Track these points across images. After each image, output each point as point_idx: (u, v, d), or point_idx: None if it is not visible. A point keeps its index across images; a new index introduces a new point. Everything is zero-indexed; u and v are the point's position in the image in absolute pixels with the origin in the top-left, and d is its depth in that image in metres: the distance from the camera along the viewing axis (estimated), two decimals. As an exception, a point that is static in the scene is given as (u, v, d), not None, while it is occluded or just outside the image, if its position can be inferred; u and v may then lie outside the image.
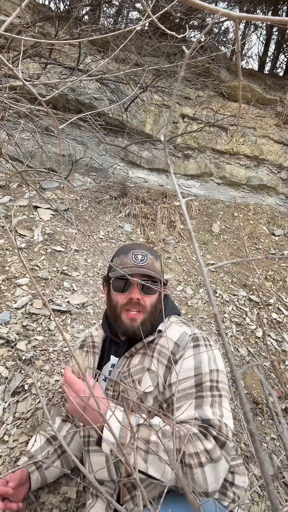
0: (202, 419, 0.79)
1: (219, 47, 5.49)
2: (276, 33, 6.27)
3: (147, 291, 0.97)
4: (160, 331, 0.99)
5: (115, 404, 0.84)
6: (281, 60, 6.79)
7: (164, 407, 0.90)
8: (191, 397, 0.84)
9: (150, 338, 0.98)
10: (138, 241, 3.26)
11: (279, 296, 2.87)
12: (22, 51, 0.81)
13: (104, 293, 1.13)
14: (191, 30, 4.98)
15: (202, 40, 3.34)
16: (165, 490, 0.58)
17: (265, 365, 2.11)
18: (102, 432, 0.77)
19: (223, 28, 5.76)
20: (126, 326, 0.97)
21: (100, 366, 1.08)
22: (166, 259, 3.12)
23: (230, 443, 0.77)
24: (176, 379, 0.87)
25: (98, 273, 2.61)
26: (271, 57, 6.65)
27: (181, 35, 0.52)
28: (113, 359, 1.05)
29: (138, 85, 2.36)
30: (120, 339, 1.06)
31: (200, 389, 0.85)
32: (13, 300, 2.03)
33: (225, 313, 2.56)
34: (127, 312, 0.98)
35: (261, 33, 6.61)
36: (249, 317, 2.56)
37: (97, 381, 1.01)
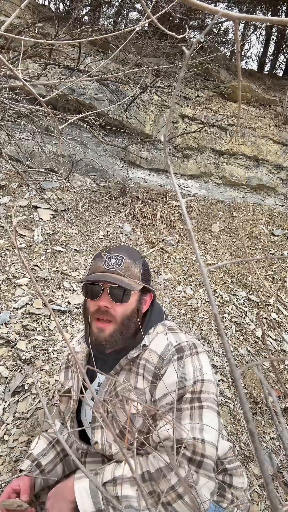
0: (176, 439, 0.74)
1: (219, 47, 5.50)
2: (276, 33, 6.28)
3: (118, 299, 0.88)
4: (145, 345, 0.91)
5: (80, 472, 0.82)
6: (280, 61, 6.80)
7: (151, 422, 0.85)
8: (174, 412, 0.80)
9: (135, 354, 0.90)
10: (136, 242, 3.25)
11: (279, 296, 2.88)
12: (22, 52, 0.81)
13: None
14: (190, 31, 4.98)
15: (202, 40, 3.35)
16: None
17: (264, 365, 2.11)
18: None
19: (222, 28, 5.77)
20: (93, 336, 0.89)
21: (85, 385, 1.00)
22: (165, 259, 3.12)
23: (208, 460, 0.73)
24: (160, 395, 0.84)
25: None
26: (271, 58, 6.66)
27: (181, 36, 0.52)
28: (99, 376, 0.98)
29: (138, 85, 2.36)
30: (105, 354, 0.96)
31: (179, 402, 0.81)
32: (13, 300, 2.03)
33: (225, 313, 2.56)
34: (97, 322, 0.90)
35: (260, 34, 6.62)
36: (248, 317, 2.56)
37: (80, 402, 0.99)
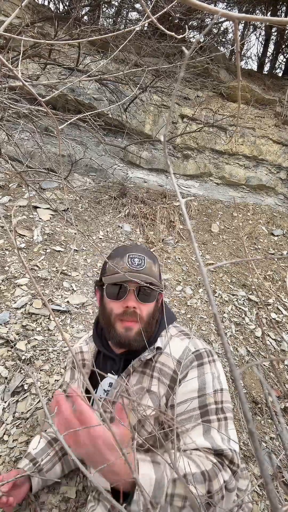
0: (215, 449, 0.73)
1: (219, 47, 5.50)
2: (275, 33, 6.28)
3: (145, 298, 0.88)
4: (159, 348, 0.90)
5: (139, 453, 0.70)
6: (280, 61, 6.80)
7: (165, 427, 0.83)
8: (195, 420, 0.79)
9: (148, 356, 0.89)
10: (136, 242, 3.25)
11: (278, 296, 2.88)
12: (21, 52, 0.81)
13: (96, 298, 1.02)
14: (190, 31, 4.99)
15: (202, 40, 3.35)
16: None
17: (264, 365, 2.11)
18: (131, 488, 0.61)
19: (222, 28, 5.77)
20: (121, 336, 0.87)
21: (93, 384, 0.98)
22: (165, 259, 3.12)
23: (239, 471, 0.74)
24: (178, 401, 0.82)
25: (98, 273, 2.61)
26: (270, 58, 6.66)
27: (181, 36, 0.52)
28: (111, 376, 0.96)
29: (138, 85, 2.37)
30: (115, 354, 0.96)
31: (206, 412, 0.79)
32: (13, 300, 2.03)
33: (224, 313, 2.57)
34: (122, 322, 0.88)
35: (260, 34, 6.62)
36: (248, 317, 2.56)
37: (92, 404, 0.92)
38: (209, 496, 0.66)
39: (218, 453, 0.74)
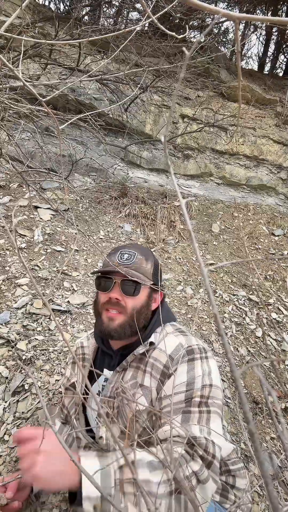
0: (189, 437, 0.74)
1: (219, 47, 5.50)
2: (276, 33, 6.28)
3: (128, 291, 0.91)
4: (152, 343, 0.92)
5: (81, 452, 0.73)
6: (280, 60, 6.80)
7: (153, 419, 0.86)
8: (179, 412, 0.80)
9: (141, 350, 0.91)
10: (136, 242, 3.25)
11: (279, 296, 2.87)
12: (22, 52, 0.81)
13: None
14: (191, 31, 4.98)
15: (202, 40, 3.35)
16: None
17: (264, 365, 2.11)
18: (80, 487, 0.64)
19: (223, 28, 5.77)
20: (103, 325, 0.91)
21: (92, 380, 1.01)
22: (166, 259, 3.12)
23: (217, 463, 0.73)
24: (166, 393, 0.84)
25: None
26: (271, 58, 6.66)
27: (181, 36, 0.52)
28: (106, 372, 0.99)
29: (138, 85, 2.37)
30: (112, 350, 1.00)
31: (189, 404, 0.81)
32: (13, 300, 2.03)
33: (225, 313, 2.56)
34: (107, 312, 0.93)
35: (260, 34, 6.61)
36: (248, 317, 2.56)
37: (85, 394, 0.96)
38: (174, 483, 0.66)
39: (191, 442, 0.74)
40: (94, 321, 1.09)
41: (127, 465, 0.67)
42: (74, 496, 0.66)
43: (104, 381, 0.99)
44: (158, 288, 0.97)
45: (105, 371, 0.99)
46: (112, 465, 0.67)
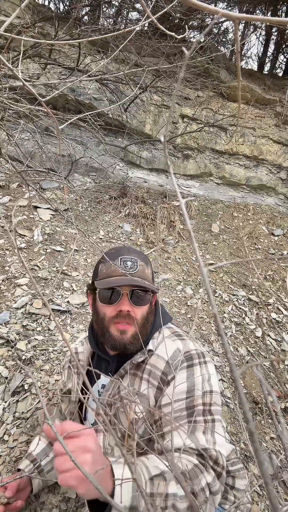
0: (199, 449, 0.73)
1: (219, 47, 5.50)
2: (276, 33, 6.28)
3: (138, 302, 0.87)
4: (150, 350, 0.89)
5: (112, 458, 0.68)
6: (280, 61, 6.79)
7: (153, 428, 0.84)
8: (182, 420, 0.78)
9: (139, 359, 0.88)
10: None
11: (279, 296, 2.88)
12: (22, 52, 0.81)
13: (89, 302, 1.00)
14: (190, 31, 4.98)
15: (202, 40, 3.35)
16: None
17: (264, 365, 2.11)
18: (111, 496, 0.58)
19: (222, 28, 5.77)
20: (115, 339, 0.86)
21: (87, 386, 0.99)
22: (165, 259, 3.12)
23: (225, 474, 0.73)
24: (166, 402, 0.82)
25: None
26: (271, 58, 6.65)
27: (181, 36, 0.52)
28: (103, 379, 0.96)
29: (138, 85, 2.37)
30: (109, 356, 0.96)
31: (192, 413, 0.79)
32: (13, 300, 2.03)
33: (225, 313, 2.56)
34: (116, 325, 0.87)
35: (260, 34, 6.61)
36: (248, 317, 2.56)
37: (81, 405, 0.93)
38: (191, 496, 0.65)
39: (201, 454, 0.72)
40: (89, 324, 1.05)
41: (158, 476, 0.64)
42: (94, 504, 0.61)
43: (101, 388, 0.97)
44: (157, 291, 0.95)
45: (102, 377, 0.96)
46: (143, 476, 0.64)
